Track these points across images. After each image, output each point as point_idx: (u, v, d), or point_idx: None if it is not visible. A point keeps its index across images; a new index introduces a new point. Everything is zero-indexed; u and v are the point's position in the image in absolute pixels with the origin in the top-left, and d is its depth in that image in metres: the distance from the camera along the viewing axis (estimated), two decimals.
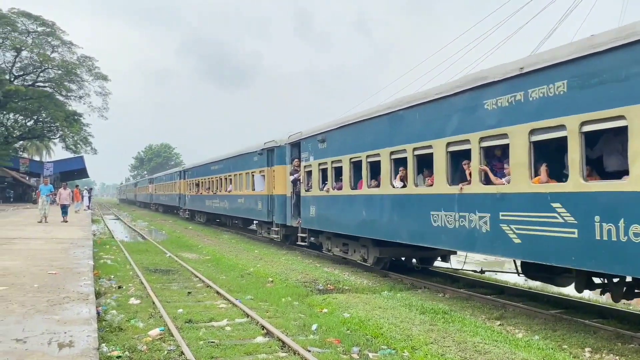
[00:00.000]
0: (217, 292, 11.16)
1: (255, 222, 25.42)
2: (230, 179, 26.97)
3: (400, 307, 9.85)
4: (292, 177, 18.22)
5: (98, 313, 8.26)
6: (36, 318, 6.38)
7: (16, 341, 5.36)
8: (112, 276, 12.89)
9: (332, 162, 15.27)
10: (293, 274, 14.02)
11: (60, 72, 58.01)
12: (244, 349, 7.12)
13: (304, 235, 17.58)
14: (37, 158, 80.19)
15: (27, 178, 67.44)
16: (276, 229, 20.30)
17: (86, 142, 61.64)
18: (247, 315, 9.00)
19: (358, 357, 6.91)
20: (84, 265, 11.02)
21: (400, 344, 7.44)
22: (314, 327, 8.32)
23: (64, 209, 25.90)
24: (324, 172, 16.02)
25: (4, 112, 59.16)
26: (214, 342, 7.38)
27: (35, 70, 58.71)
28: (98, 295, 10.24)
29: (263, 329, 8.10)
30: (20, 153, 69.72)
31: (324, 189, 15.62)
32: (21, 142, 67.69)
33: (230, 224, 31.40)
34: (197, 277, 13.21)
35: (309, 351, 6.92)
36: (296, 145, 18.16)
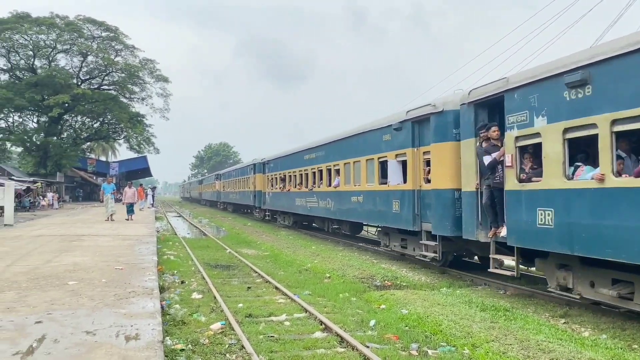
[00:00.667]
0: (276, 288, 11.32)
1: (377, 229, 18.53)
2: (338, 170, 19.96)
3: (459, 304, 9.69)
4: (489, 158, 10.35)
5: (162, 307, 8.54)
6: (104, 311, 6.66)
7: (86, 333, 5.61)
8: (175, 271, 13.29)
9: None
10: (350, 270, 14.03)
11: (123, 75, 60.25)
12: (302, 343, 7.19)
13: (506, 257, 10.34)
14: (103, 158, 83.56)
15: (95, 177, 70.38)
16: (431, 243, 13.15)
17: (149, 142, 63.82)
18: (306, 311, 9.09)
19: (417, 354, 6.85)
20: (148, 261, 11.41)
21: (460, 341, 7.32)
22: (372, 323, 8.31)
23: (129, 207, 26.31)
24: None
25: (72, 115, 61.96)
26: (273, 336, 7.49)
27: (100, 74, 61.18)
28: (162, 290, 10.59)
29: (321, 324, 8.16)
30: (88, 154, 72.87)
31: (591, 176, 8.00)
32: (88, 143, 70.71)
33: (329, 229, 24.08)
34: (256, 272, 13.44)
35: (368, 347, 6.91)
36: (486, 106, 10.95)
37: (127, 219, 25.42)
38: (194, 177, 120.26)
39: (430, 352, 6.91)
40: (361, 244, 19.69)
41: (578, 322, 8.54)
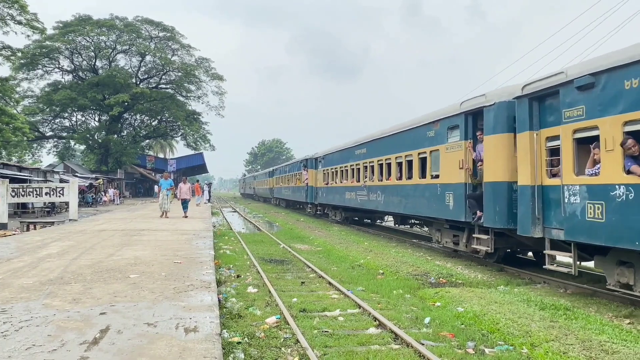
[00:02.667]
0: (329, 283, 11.37)
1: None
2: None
3: (517, 302, 9.47)
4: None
5: (219, 300, 8.73)
6: (164, 304, 6.87)
7: (148, 325, 5.81)
8: (231, 265, 13.56)
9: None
10: (404, 266, 13.93)
11: (180, 74, 61.83)
12: (356, 339, 7.20)
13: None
14: (161, 155, 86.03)
15: (153, 174, 72.68)
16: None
17: (205, 139, 65.31)
18: (359, 306, 9.09)
19: (473, 352, 6.74)
20: (205, 255, 11.68)
21: (518, 340, 7.16)
22: (426, 320, 8.23)
23: (185, 203, 25.52)
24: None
25: (132, 113, 64.08)
26: (327, 331, 7.53)
27: (157, 73, 62.98)
28: (219, 283, 10.81)
29: (375, 321, 8.15)
30: (147, 151, 75.23)
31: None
32: (147, 140, 72.98)
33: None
34: (310, 267, 13.53)
35: (422, 344, 6.86)
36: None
37: (183, 216, 24.65)
38: (248, 173, 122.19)
39: (487, 350, 6.79)
40: (415, 240, 19.50)
41: None
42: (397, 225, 22.20)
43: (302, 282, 11.57)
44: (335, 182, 28.35)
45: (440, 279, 12.34)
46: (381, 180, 20.76)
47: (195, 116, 63.79)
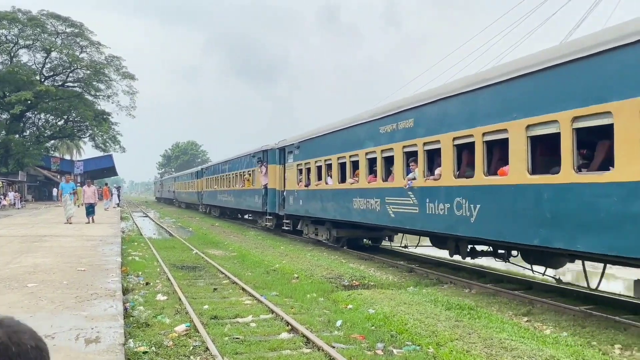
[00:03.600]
0: (243, 289, 11.24)
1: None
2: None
3: (425, 303, 9.78)
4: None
5: (126, 309, 8.40)
6: (65, 314, 6.50)
7: (44, 337, 5.47)
8: (140, 273, 13.07)
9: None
10: (318, 270, 14.03)
11: (88, 72, 59.12)
12: (268, 344, 7.15)
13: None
14: (68, 157, 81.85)
15: (59, 176, 68.92)
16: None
17: (115, 140, 62.79)
18: (272, 312, 9.04)
19: (382, 353, 6.87)
20: (112, 262, 11.20)
21: (425, 340, 7.39)
22: (338, 323, 8.31)
23: (90, 208, 23.59)
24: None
25: (36, 112, 60.53)
26: (238, 338, 7.43)
27: (64, 70, 59.91)
28: (126, 291, 10.40)
29: (288, 325, 8.13)
30: (52, 152, 71.27)
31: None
32: (52, 141, 69.17)
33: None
34: (223, 273, 13.31)
35: (333, 347, 6.91)
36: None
37: (87, 222, 22.92)
38: (161, 176, 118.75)
39: (395, 351, 6.95)
40: (331, 244, 19.70)
41: (540, 320, 8.70)
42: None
43: (215, 289, 11.36)
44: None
45: (354, 281, 12.53)
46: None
47: (105, 116, 61.16)
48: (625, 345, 7.21)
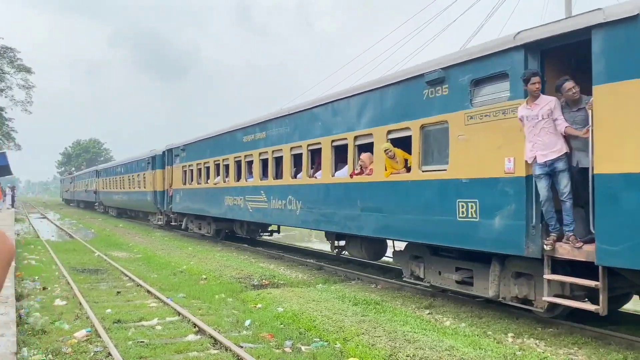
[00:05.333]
0: (148, 291, 10.90)
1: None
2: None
3: (333, 300, 9.95)
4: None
5: (20, 316, 7.91)
6: None
7: None
8: (37, 277, 12.34)
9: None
10: (227, 270, 13.87)
11: None
12: (174, 347, 7.00)
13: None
14: None
15: None
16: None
17: (9, 137, 58.66)
18: (179, 314, 8.85)
19: (290, 351, 6.93)
20: None
21: (332, 336, 7.52)
22: (247, 322, 8.28)
23: None
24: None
25: None
26: (143, 341, 7.21)
27: None
28: (20, 297, 9.80)
29: (195, 327, 7.99)
30: None
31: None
32: None
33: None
34: (127, 276, 12.85)
35: (241, 347, 6.89)
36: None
37: None
38: (60, 174, 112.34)
39: (303, 348, 7.03)
40: (240, 244, 19.53)
41: (441, 312, 9.12)
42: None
43: (118, 292, 10.94)
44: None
45: (263, 280, 12.51)
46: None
47: None
48: (517, 334, 7.71)
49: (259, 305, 9.71)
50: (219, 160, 19.14)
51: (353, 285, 11.75)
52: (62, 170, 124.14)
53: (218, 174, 19.41)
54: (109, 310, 9.04)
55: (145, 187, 29.30)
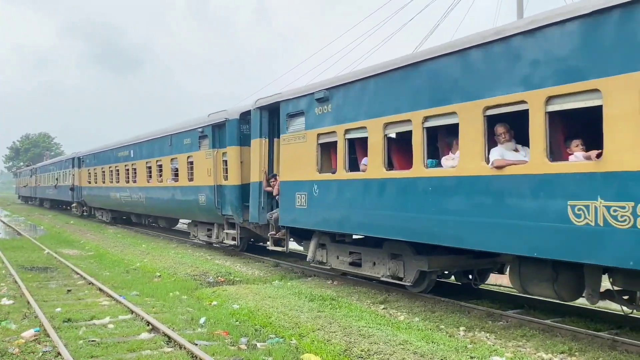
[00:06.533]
0: (100, 289, 10.68)
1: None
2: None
3: (289, 296, 9.96)
4: None
5: None
6: None
7: None
8: None
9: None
10: (182, 267, 13.70)
11: None
12: (127, 346, 6.88)
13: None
14: None
15: None
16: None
17: None
18: (132, 312, 8.70)
19: (246, 348, 6.91)
20: None
21: (288, 332, 7.54)
22: (202, 320, 8.21)
23: None
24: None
25: None
26: (94, 340, 7.07)
27: None
28: None
29: (148, 325, 7.88)
30: None
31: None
32: None
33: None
34: (78, 274, 12.54)
35: (196, 344, 6.83)
36: None
37: None
38: (7, 170, 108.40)
39: (259, 345, 7.02)
40: (196, 241, 19.30)
41: (395, 307, 9.25)
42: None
43: (69, 290, 10.67)
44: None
45: (219, 277, 12.42)
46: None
47: None
48: (469, 327, 7.90)
49: (215, 303, 9.63)
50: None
51: (310, 282, 11.79)
52: (10, 165, 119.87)
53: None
54: (58, 309, 8.81)
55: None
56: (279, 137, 12.32)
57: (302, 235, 12.28)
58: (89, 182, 29.83)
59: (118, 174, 24.73)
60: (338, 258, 11.06)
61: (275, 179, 12.46)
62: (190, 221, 19.06)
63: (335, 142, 10.22)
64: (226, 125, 14.78)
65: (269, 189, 12.72)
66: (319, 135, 10.67)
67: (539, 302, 8.85)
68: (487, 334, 7.54)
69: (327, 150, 10.77)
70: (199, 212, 16.83)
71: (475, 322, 8.18)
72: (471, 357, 6.38)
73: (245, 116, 14.21)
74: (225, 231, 15.60)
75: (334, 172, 10.38)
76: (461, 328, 7.86)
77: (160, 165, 19.69)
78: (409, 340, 6.98)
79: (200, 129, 16.24)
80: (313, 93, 10.75)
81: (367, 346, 6.71)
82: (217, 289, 10.89)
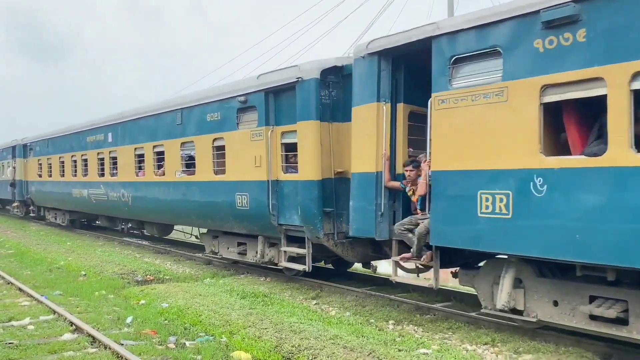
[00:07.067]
0: (20, 289, 10.18)
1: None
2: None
3: (221, 294, 9.84)
4: None
5: None
6: None
7: None
8: None
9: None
10: (109, 266, 13.24)
11: None
12: (48, 347, 6.61)
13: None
14: None
15: None
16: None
17: None
18: (54, 312, 8.35)
19: (174, 347, 6.79)
20: None
21: (218, 330, 7.46)
22: (129, 319, 7.99)
23: None
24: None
25: None
26: (12, 342, 6.74)
27: None
28: None
29: (72, 325, 7.60)
30: None
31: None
32: None
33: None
34: None
35: (122, 344, 6.63)
36: None
37: None
38: None
39: (188, 343, 6.90)
40: (125, 239, 18.71)
41: (327, 302, 9.33)
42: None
43: None
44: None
45: (148, 276, 12.11)
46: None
47: None
48: (398, 321, 8.08)
49: (143, 302, 9.40)
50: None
51: (242, 279, 11.69)
52: None
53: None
54: None
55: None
56: (402, 102, 8.27)
57: (455, 258, 7.85)
58: (40, 176, 23.64)
59: (86, 165, 18.75)
60: (562, 306, 6.46)
61: (416, 168, 7.92)
62: (205, 231, 13.41)
63: (599, 98, 5.63)
64: (297, 89, 9.68)
65: (393, 184, 8.14)
66: (544, 88, 6.02)
67: (466, 296, 9.16)
68: (415, 327, 7.74)
69: (574, 114, 6.17)
70: (233, 220, 11.49)
71: (404, 315, 8.38)
72: (399, 350, 6.52)
73: (327, 75, 9.54)
74: (282, 248, 10.46)
75: (593, 155, 5.73)
76: (390, 321, 8.04)
77: (161, 153, 13.87)
78: (339, 335, 7.05)
79: (240, 98, 10.87)
80: (537, 12, 5.99)
81: (298, 342, 6.73)
82: (145, 288, 10.61)
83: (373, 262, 10.43)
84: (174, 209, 13.74)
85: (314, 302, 9.38)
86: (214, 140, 11.77)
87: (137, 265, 13.30)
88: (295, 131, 9.86)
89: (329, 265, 12.10)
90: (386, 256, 9.52)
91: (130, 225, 18.53)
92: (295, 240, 10.37)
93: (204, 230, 13.55)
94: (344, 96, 9.44)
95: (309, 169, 9.55)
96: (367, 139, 8.24)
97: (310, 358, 6.29)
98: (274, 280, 11.44)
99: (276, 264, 10.90)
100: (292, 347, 6.61)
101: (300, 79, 9.58)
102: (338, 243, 9.61)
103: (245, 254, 11.78)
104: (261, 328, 7.40)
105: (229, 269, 12.94)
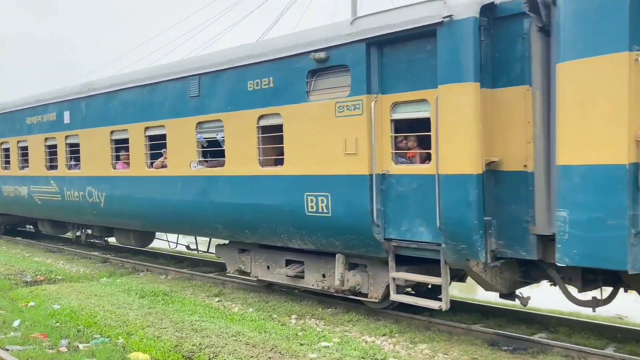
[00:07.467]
0: None
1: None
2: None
3: (118, 293, 9.47)
4: None
5: None
6: None
7: None
8: None
9: None
10: None
11: None
12: None
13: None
14: None
15: None
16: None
17: None
18: None
19: (67, 350, 6.48)
20: None
21: (115, 331, 7.18)
22: (15, 323, 7.54)
23: None
24: None
25: None
26: None
27: None
28: None
29: None
30: None
31: None
32: None
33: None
34: None
35: (7, 350, 6.23)
36: None
37: None
38: None
39: (81, 346, 6.61)
40: (18, 238, 17.43)
41: (230, 299, 9.23)
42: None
43: None
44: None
45: (38, 276, 11.44)
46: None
47: None
48: (300, 315, 8.16)
49: (32, 304, 8.86)
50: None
51: (141, 277, 11.31)
52: None
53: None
54: None
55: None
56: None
57: None
58: None
59: (25, 155, 14.52)
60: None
61: None
62: (228, 242, 9.81)
63: None
64: (441, 35, 6.41)
65: None
66: None
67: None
68: (317, 321, 7.86)
69: None
70: (297, 231, 8.01)
71: (306, 309, 8.46)
72: (301, 344, 6.60)
73: (487, 13, 6.33)
74: (393, 274, 7.11)
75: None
76: (293, 316, 8.09)
77: (159, 137, 10.20)
78: (241, 332, 7.02)
79: (316, 54, 7.47)
80: None
81: (199, 340, 6.62)
82: (35, 289, 10.00)
83: (519, 291, 7.30)
84: (183, 213, 9.81)
85: (217, 299, 9.26)
86: (260, 117, 8.32)
87: (26, 265, 12.50)
88: (421, 101, 6.78)
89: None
90: (536, 280, 7.13)
91: (90, 232, 13.91)
92: (405, 261, 7.25)
93: (224, 241, 10.09)
94: (498, 50, 6.43)
95: (459, 156, 6.34)
96: (604, 109, 5.34)
97: (212, 356, 6.21)
98: (175, 278, 11.18)
99: (360, 294, 7.81)
100: (192, 345, 6.49)
101: (448, 19, 6.29)
102: (488, 267, 6.60)
103: (303, 277, 8.52)
104: (160, 328, 7.21)
105: (127, 268, 12.47)
